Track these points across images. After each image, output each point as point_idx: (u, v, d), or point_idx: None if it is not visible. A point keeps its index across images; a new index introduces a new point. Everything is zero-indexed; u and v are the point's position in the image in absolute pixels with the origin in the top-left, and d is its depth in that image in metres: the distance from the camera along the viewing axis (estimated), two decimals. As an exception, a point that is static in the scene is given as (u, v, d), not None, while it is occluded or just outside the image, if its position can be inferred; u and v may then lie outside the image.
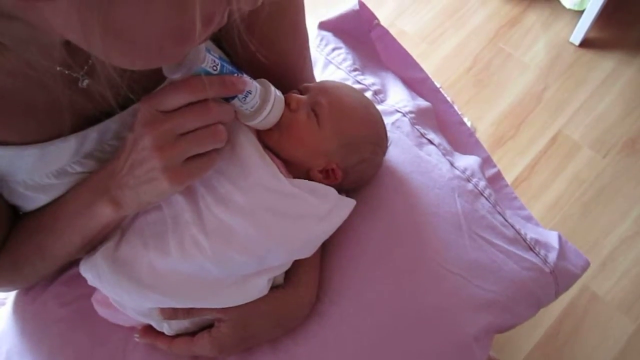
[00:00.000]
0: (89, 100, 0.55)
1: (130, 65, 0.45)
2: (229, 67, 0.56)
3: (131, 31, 0.39)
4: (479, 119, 1.43)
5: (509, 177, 1.35)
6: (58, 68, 0.51)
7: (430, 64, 1.51)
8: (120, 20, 0.37)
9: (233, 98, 0.57)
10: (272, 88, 0.61)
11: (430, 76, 0.96)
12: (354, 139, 0.67)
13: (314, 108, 0.65)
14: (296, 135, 0.64)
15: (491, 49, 1.53)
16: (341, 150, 0.66)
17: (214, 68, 0.54)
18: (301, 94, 0.67)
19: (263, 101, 0.60)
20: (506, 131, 1.42)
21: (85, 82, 0.53)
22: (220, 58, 0.55)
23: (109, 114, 0.58)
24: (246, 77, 0.58)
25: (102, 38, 0.38)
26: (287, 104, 0.64)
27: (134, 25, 0.38)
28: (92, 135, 0.58)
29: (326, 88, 0.68)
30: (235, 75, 0.56)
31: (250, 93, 0.58)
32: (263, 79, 0.62)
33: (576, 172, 1.36)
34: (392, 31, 0.97)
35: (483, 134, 1.41)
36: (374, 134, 0.70)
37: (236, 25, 0.46)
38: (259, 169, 0.60)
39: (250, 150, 0.61)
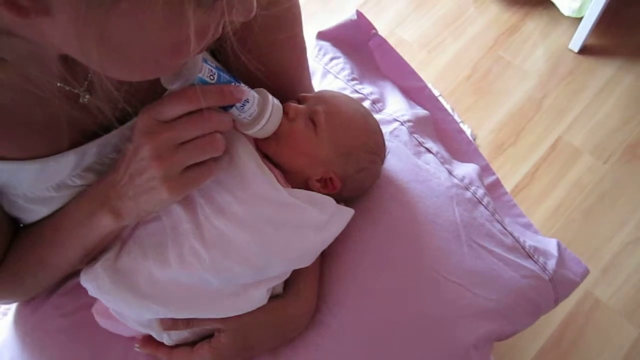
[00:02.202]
0: (89, 115, 0.55)
1: (128, 77, 0.46)
2: (226, 77, 0.56)
3: (127, 45, 0.39)
4: (479, 126, 1.43)
5: (509, 184, 1.35)
6: (58, 84, 0.51)
7: (429, 72, 1.51)
8: (116, 35, 0.38)
9: (231, 107, 0.57)
10: (270, 97, 0.61)
11: (429, 84, 0.96)
12: (352, 148, 0.67)
13: (312, 117, 0.66)
14: (294, 144, 0.65)
15: (490, 56, 1.54)
16: (339, 160, 0.66)
17: (212, 77, 0.54)
18: (299, 103, 0.67)
19: (261, 110, 0.60)
20: (506, 138, 1.42)
21: (87, 97, 0.54)
22: (217, 68, 0.55)
23: (108, 129, 0.59)
24: (243, 86, 0.58)
25: (99, 52, 0.39)
26: (285, 113, 0.64)
27: (130, 39, 0.39)
28: (91, 149, 0.58)
29: (324, 97, 0.69)
30: (233, 84, 0.57)
31: (248, 102, 0.58)
32: (261, 88, 0.62)
33: (577, 179, 1.36)
34: (392, 39, 0.97)
35: (483, 142, 1.41)
36: (372, 143, 0.71)
37: (229, 37, 0.47)
38: (257, 180, 0.60)
39: (249, 161, 0.61)
